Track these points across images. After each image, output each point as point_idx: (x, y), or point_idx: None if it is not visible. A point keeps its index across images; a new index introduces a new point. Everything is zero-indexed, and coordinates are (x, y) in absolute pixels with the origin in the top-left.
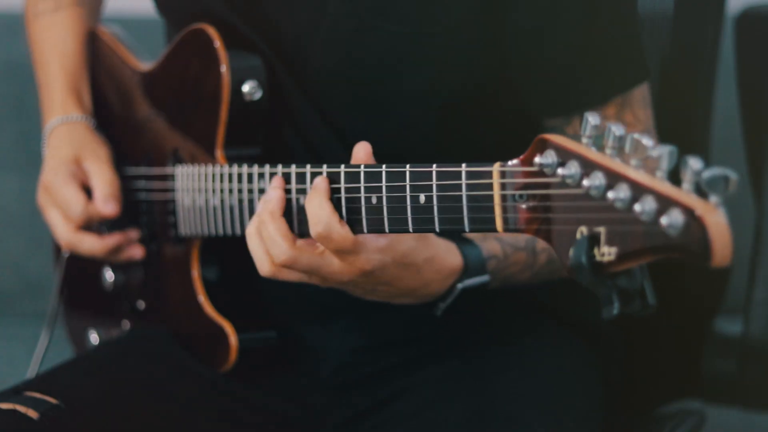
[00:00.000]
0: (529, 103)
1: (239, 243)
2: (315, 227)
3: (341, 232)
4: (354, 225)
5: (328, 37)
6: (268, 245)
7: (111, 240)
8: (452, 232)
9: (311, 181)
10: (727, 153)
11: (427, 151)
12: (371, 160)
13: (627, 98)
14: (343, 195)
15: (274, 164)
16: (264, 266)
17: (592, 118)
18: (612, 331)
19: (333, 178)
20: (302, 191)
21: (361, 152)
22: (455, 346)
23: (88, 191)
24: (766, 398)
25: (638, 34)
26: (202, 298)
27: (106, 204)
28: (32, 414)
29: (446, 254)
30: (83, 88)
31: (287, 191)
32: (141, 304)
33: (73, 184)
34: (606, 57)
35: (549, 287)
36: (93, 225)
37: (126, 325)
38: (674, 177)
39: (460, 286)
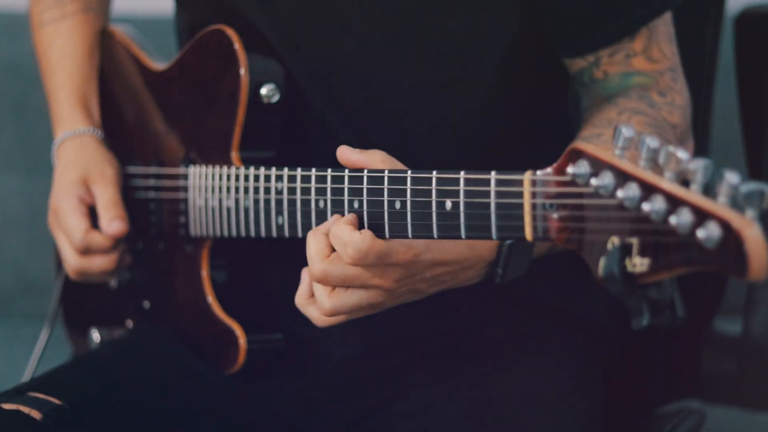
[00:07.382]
0: (559, 45)
1: (248, 244)
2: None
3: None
4: (376, 230)
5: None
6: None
7: (116, 252)
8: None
9: (331, 184)
10: (727, 153)
11: (475, 107)
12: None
13: (653, 32)
14: (365, 198)
15: (292, 167)
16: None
17: (626, 130)
18: (612, 330)
19: (355, 182)
20: (322, 193)
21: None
22: (456, 347)
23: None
24: (766, 398)
25: None
26: (211, 299)
27: (111, 224)
28: (35, 414)
29: None
30: (91, 97)
31: (306, 194)
32: (146, 304)
33: (78, 211)
34: None
35: (548, 287)
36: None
37: (129, 324)
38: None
39: (508, 242)
